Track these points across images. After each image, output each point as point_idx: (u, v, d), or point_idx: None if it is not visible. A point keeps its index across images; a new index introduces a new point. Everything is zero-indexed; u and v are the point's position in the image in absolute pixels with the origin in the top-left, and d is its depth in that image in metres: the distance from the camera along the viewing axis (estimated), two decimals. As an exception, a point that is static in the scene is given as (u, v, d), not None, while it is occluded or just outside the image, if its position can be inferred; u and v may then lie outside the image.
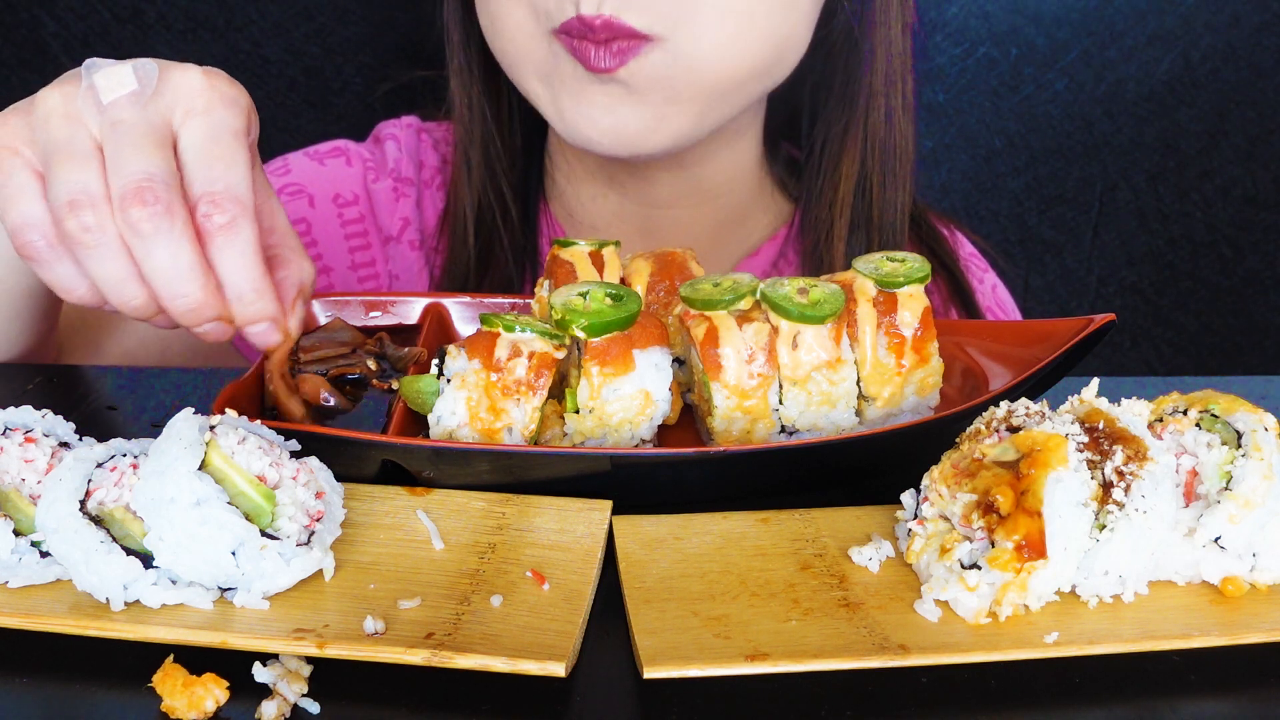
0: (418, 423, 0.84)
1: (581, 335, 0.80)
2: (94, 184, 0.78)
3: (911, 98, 1.28)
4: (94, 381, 1.01)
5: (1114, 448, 0.69)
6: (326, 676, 0.63)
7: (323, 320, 0.98)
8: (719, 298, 0.83)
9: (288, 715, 0.61)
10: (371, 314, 1.00)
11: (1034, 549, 0.66)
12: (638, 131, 1.13)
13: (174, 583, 0.66)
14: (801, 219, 1.32)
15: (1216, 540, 0.70)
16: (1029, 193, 1.70)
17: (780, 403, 0.84)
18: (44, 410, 0.75)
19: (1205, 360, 1.76)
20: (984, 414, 0.74)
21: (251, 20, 1.57)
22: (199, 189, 0.79)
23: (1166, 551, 0.70)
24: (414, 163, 1.37)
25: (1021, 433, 0.70)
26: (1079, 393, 0.74)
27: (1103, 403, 0.72)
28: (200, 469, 0.66)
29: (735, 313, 0.83)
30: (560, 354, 0.80)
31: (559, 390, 0.83)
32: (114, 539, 0.66)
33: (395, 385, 0.89)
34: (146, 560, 0.66)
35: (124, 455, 0.71)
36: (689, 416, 0.90)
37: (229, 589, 0.66)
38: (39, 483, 0.71)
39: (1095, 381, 0.75)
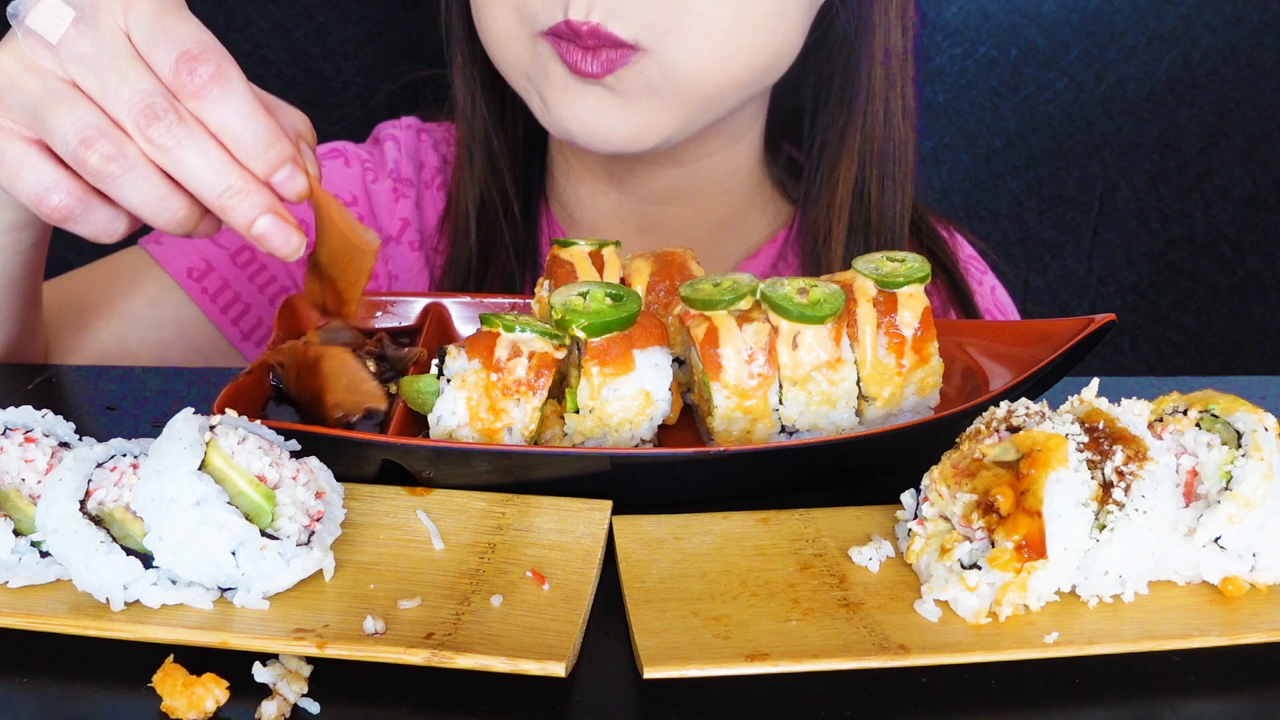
0: (418, 423, 0.84)
1: (581, 335, 0.80)
2: (94, 117, 0.78)
3: (912, 102, 1.28)
4: (94, 381, 1.01)
5: (1114, 448, 0.69)
6: (326, 676, 0.63)
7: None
8: (719, 298, 0.83)
9: (288, 715, 0.61)
10: (372, 314, 1.00)
11: (1034, 549, 0.66)
12: (624, 133, 1.13)
13: (174, 583, 0.66)
14: (801, 221, 1.32)
15: (1216, 540, 0.70)
16: (1029, 193, 1.70)
17: (780, 403, 0.84)
18: (44, 410, 0.75)
19: (1205, 360, 1.76)
20: (984, 414, 0.74)
21: (251, 20, 1.57)
22: (172, 53, 0.78)
23: (1166, 551, 0.70)
24: (414, 163, 1.37)
25: (1021, 433, 0.70)
26: (1079, 393, 0.74)
27: (1103, 403, 0.72)
28: (200, 469, 0.66)
29: (735, 313, 0.83)
30: (560, 354, 0.80)
31: (559, 390, 0.83)
32: (114, 539, 0.66)
33: (393, 389, 0.89)
34: (146, 560, 0.66)
35: (124, 455, 0.71)
36: (689, 416, 0.90)
37: (229, 589, 0.66)
38: (39, 483, 0.71)
39: (1095, 381, 0.75)
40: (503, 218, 1.30)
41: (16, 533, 0.68)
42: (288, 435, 0.74)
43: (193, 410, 0.69)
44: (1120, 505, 0.68)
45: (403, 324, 1.00)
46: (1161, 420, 0.74)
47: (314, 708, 0.61)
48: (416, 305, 1.01)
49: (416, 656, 0.62)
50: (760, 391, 0.82)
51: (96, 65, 0.78)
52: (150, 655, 0.63)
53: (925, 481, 0.73)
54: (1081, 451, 0.69)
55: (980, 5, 1.62)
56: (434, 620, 0.65)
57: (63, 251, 1.27)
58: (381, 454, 0.78)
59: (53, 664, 0.64)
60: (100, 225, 0.82)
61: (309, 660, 0.63)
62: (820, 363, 0.83)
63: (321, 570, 0.68)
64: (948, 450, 0.74)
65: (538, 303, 0.94)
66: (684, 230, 1.32)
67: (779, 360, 0.83)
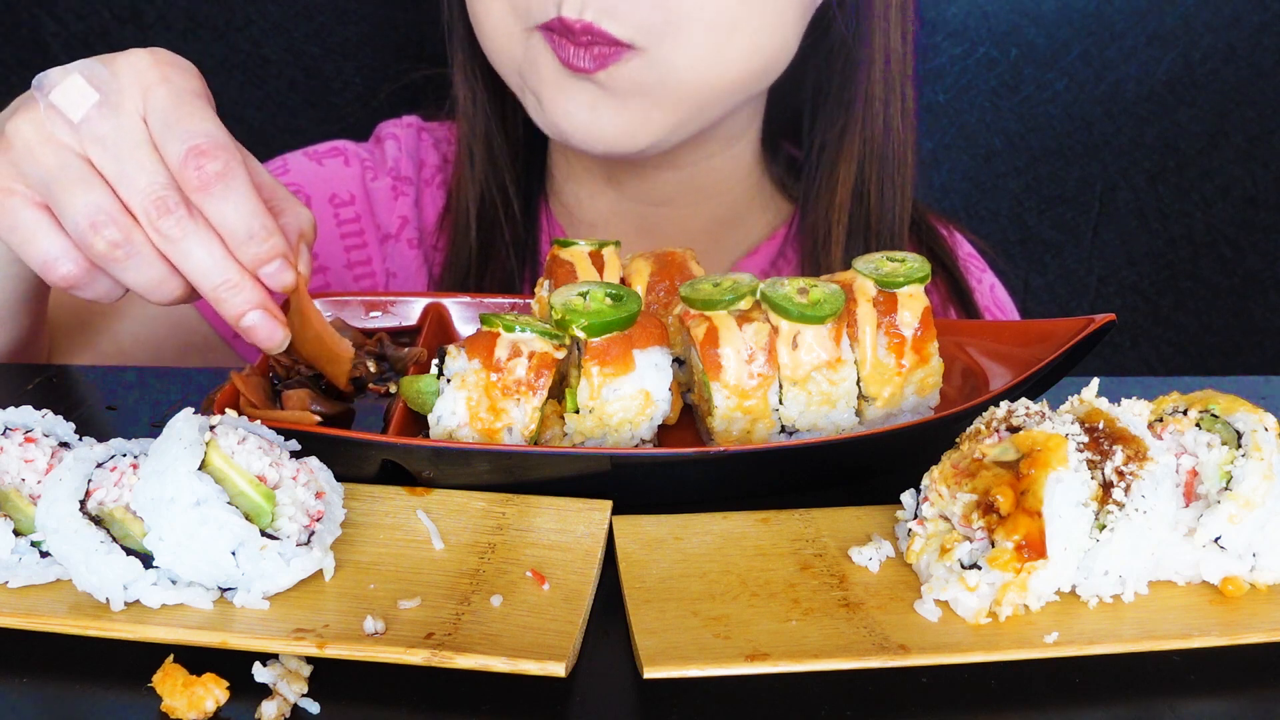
0: (418, 423, 0.84)
1: (581, 335, 0.80)
2: (105, 200, 0.81)
3: (912, 105, 1.28)
4: (94, 381, 1.01)
5: (1114, 448, 0.69)
6: (326, 676, 0.63)
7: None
8: (719, 298, 0.83)
9: (288, 715, 0.61)
10: (371, 314, 1.00)
11: (1034, 549, 0.66)
12: (616, 132, 1.13)
13: (174, 583, 0.66)
14: (800, 221, 1.32)
15: (1216, 540, 0.70)
16: (1029, 193, 1.70)
17: (780, 403, 0.84)
18: (44, 410, 0.75)
19: (1205, 360, 1.76)
20: (984, 414, 0.74)
21: (251, 20, 1.57)
22: (182, 145, 0.80)
23: (1166, 551, 0.70)
24: (414, 162, 1.37)
25: (1021, 433, 0.70)
26: (1079, 393, 0.74)
27: (1103, 403, 0.72)
28: (200, 469, 0.66)
29: (735, 313, 0.83)
30: (560, 354, 0.80)
31: (559, 390, 0.83)
32: (114, 539, 0.66)
33: (393, 388, 0.89)
34: (146, 560, 0.66)
35: (124, 455, 0.71)
36: (689, 416, 0.90)
37: (229, 589, 0.66)
38: (39, 483, 0.71)
39: (1095, 381, 0.75)
40: (503, 216, 1.30)
41: (16, 533, 0.68)
42: (288, 435, 0.74)
43: (193, 410, 0.69)
44: (1120, 505, 0.68)
45: (403, 324, 1.00)
46: (1161, 420, 0.74)
47: (314, 708, 0.61)
48: (416, 305, 1.01)
49: (416, 656, 0.62)
50: (760, 391, 0.82)
51: (116, 150, 0.81)
52: (150, 655, 0.63)
53: (925, 481, 0.73)
54: (1081, 451, 0.69)
55: (980, 5, 1.62)
56: (434, 620, 0.65)
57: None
58: (381, 454, 0.78)
59: (53, 664, 0.64)
60: (101, 292, 0.86)
61: (309, 660, 0.63)
62: (820, 363, 0.83)
63: (321, 570, 0.68)
64: (948, 450, 0.74)
65: (538, 303, 0.94)
66: (683, 229, 1.32)
67: (779, 360, 0.83)
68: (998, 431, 0.71)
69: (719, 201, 1.33)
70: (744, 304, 0.84)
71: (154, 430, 0.70)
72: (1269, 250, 1.72)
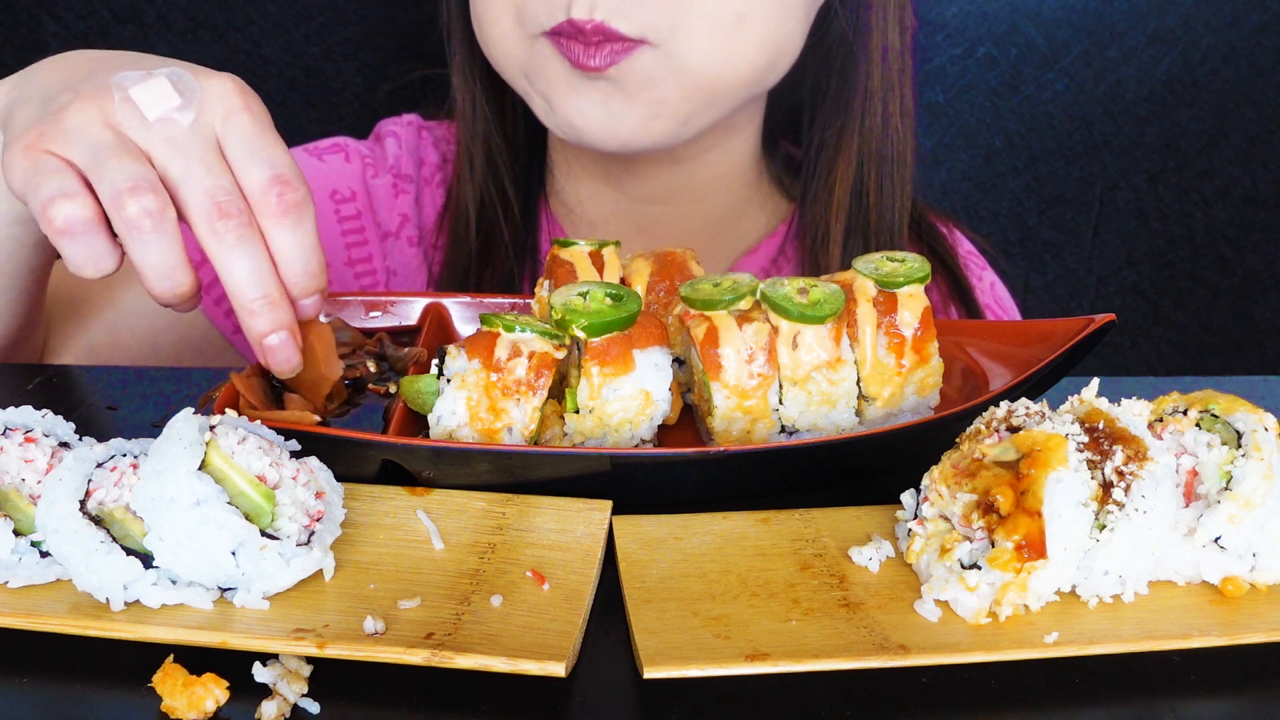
0: (418, 423, 0.84)
1: (581, 335, 0.80)
2: (151, 175, 0.79)
3: (910, 104, 1.28)
4: (94, 381, 1.01)
5: (1114, 448, 0.69)
6: (326, 676, 0.63)
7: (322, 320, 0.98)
8: (719, 298, 0.83)
9: (288, 715, 0.61)
10: (371, 314, 1.00)
11: (1034, 549, 0.66)
12: (630, 127, 1.13)
13: (174, 583, 0.66)
14: (799, 220, 1.32)
15: (1216, 540, 0.70)
16: (1029, 193, 1.70)
17: (780, 403, 0.84)
18: (44, 410, 0.75)
19: (1205, 360, 1.76)
20: (984, 414, 0.74)
21: (251, 20, 1.57)
22: (267, 171, 0.81)
23: (1166, 551, 0.70)
24: (414, 160, 1.37)
25: (1021, 433, 0.70)
26: (1079, 393, 0.74)
27: (1103, 403, 0.72)
28: (200, 469, 0.66)
29: (735, 313, 0.83)
30: (560, 354, 0.80)
31: (559, 390, 0.83)
32: (114, 539, 0.66)
33: (392, 389, 0.89)
34: (146, 560, 0.66)
35: (124, 455, 0.71)
36: (689, 416, 0.90)
37: (229, 589, 0.66)
38: (39, 483, 0.71)
39: (1095, 381, 0.75)
40: (502, 217, 1.30)
41: (16, 533, 0.68)
42: (288, 435, 0.74)
43: (193, 410, 0.69)
44: (1120, 505, 0.68)
45: (403, 324, 1.00)
46: (1161, 420, 0.74)
47: (314, 708, 0.61)
48: (416, 305, 1.01)
49: (416, 656, 0.62)
50: (760, 391, 0.82)
51: (185, 151, 0.80)
52: (150, 655, 0.63)
53: (925, 481, 0.73)
54: (1081, 451, 0.69)
55: (980, 5, 1.62)
56: (434, 620, 0.65)
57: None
58: (381, 454, 0.78)
59: (53, 664, 0.64)
60: (91, 253, 0.81)
61: (309, 660, 0.63)
62: (820, 363, 0.83)
63: (321, 570, 0.68)
64: (948, 450, 0.74)
65: (538, 303, 0.94)
66: (683, 228, 1.32)
67: (779, 360, 0.83)
68: (998, 431, 0.71)
69: (719, 200, 1.33)
70: (744, 304, 0.84)
71: (154, 430, 0.70)
72: (1269, 250, 1.72)
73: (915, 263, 0.87)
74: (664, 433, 0.87)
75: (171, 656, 0.62)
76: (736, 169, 1.33)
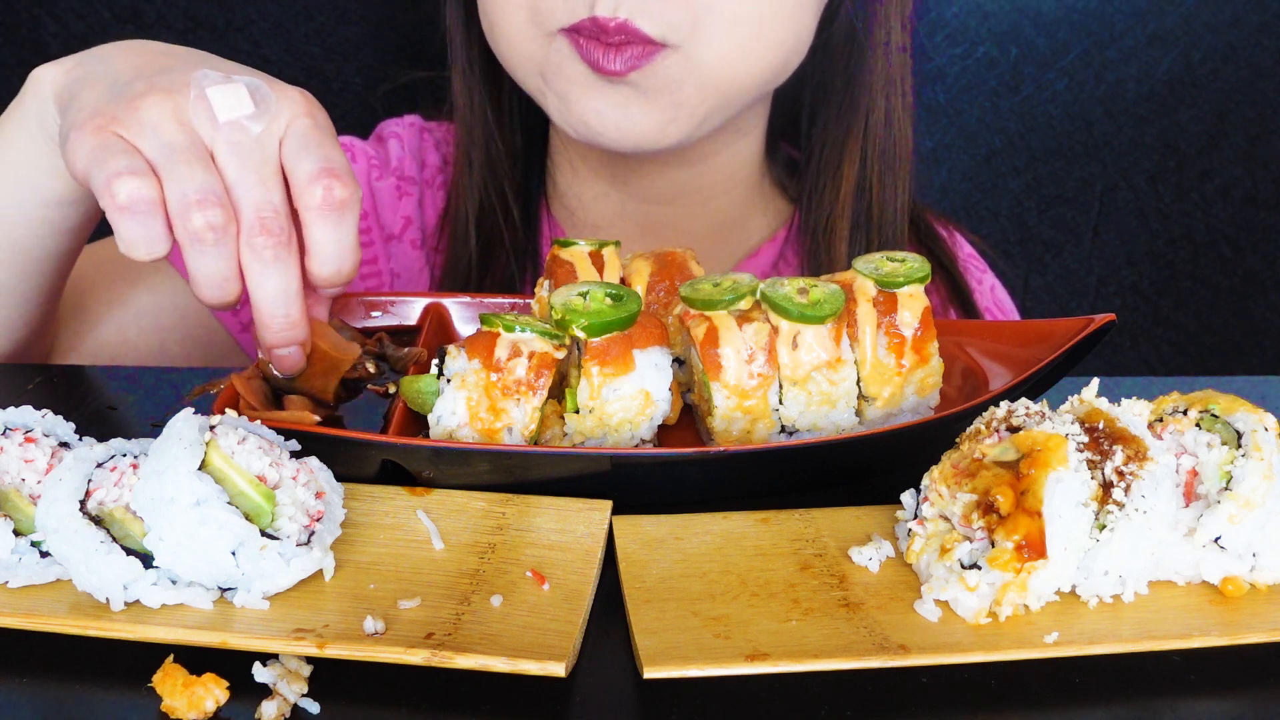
0: (418, 423, 0.84)
1: (581, 335, 0.80)
2: (219, 187, 0.81)
3: (911, 98, 1.28)
4: (94, 381, 1.01)
5: (1114, 448, 0.69)
6: (326, 676, 0.63)
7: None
8: (719, 298, 0.83)
9: (288, 715, 0.61)
10: (372, 314, 1.00)
11: (1034, 549, 0.66)
12: (646, 129, 1.13)
13: (174, 583, 0.66)
14: (801, 220, 1.32)
15: (1216, 540, 0.70)
16: (1029, 193, 1.70)
17: (780, 403, 0.84)
18: (44, 410, 0.75)
19: (1205, 360, 1.76)
20: (984, 414, 0.74)
21: (251, 20, 1.57)
22: (317, 164, 0.82)
23: (1166, 551, 0.70)
24: (416, 161, 1.37)
25: (1021, 433, 0.70)
26: (1079, 393, 0.74)
27: (1103, 403, 0.72)
28: (200, 469, 0.66)
29: (735, 313, 0.83)
30: (560, 354, 0.80)
31: (559, 390, 0.83)
32: (114, 539, 0.66)
33: (392, 389, 0.89)
34: (146, 560, 0.66)
35: (124, 455, 0.71)
36: (689, 416, 0.90)
37: (229, 589, 0.66)
38: (39, 483, 0.71)
39: (1095, 381, 0.75)
40: (502, 222, 1.30)
41: (16, 533, 0.68)
42: (288, 435, 0.74)
43: (193, 410, 0.69)
44: (1120, 505, 0.68)
45: (403, 324, 1.00)
46: (1161, 420, 0.74)
47: (314, 708, 0.61)
48: (416, 305, 1.01)
49: (416, 656, 0.62)
50: (760, 391, 0.82)
51: (245, 159, 0.82)
52: (150, 655, 0.63)
53: (925, 481, 0.73)
54: (1081, 451, 0.69)
55: (980, 5, 1.62)
56: (434, 620, 0.65)
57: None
58: (381, 454, 0.78)
59: (53, 664, 0.64)
60: (147, 235, 0.81)
61: (309, 660, 0.63)
62: (820, 363, 0.83)
63: (321, 570, 0.68)
64: (948, 450, 0.74)
65: (538, 303, 0.94)
66: (685, 230, 1.32)
67: (779, 360, 0.83)
68: (998, 431, 0.71)
69: (722, 202, 1.33)
70: (744, 304, 0.84)
71: (154, 430, 0.70)
72: (1269, 250, 1.72)
73: (915, 263, 0.87)
74: (664, 433, 0.87)
75: (171, 656, 0.62)
76: (741, 170, 1.33)
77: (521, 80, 1.19)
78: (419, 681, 0.63)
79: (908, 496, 0.75)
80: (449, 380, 0.80)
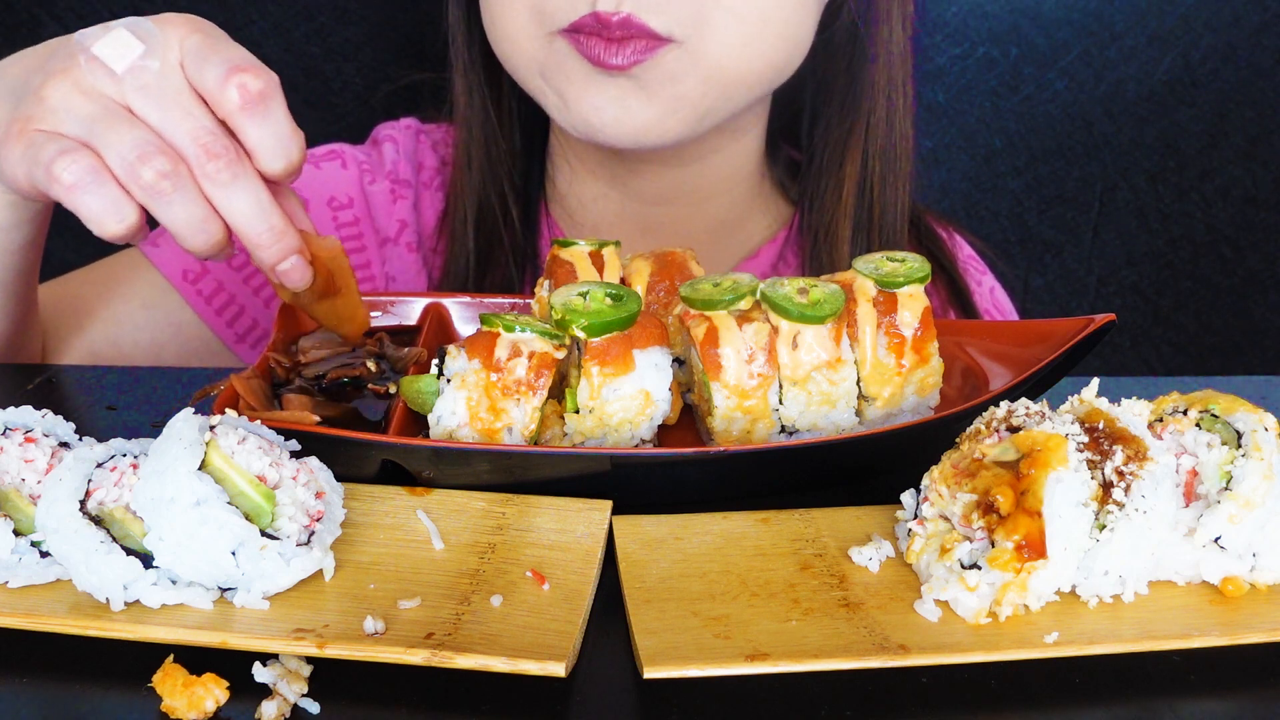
0: (418, 423, 0.84)
1: (581, 335, 0.80)
2: (151, 137, 0.80)
3: (911, 97, 1.28)
4: (94, 381, 1.01)
5: (1114, 448, 0.69)
6: (326, 676, 0.63)
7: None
8: (719, 298, 0.83)
9: (288, 715, 0.61)
10: (371, 314, 1.00)
11: (1034, 549, 0.66)
12: (646, 124, 1.13)
13: (174, 583, 0.66)
14: (802, 221, 1.32)
15: (1216, 540, 0.70)
16: (1029, 193, 1.70)
17: (780, 403, 0.84)
18: (44, 410, 0.75)
19: (1205, 360, 1.76)
20: (984, 414, 0.74)
21: (251, 20, 1.57)
22: (221, 67, 0.81)
23: (1166, 551, 0.70)
24: (412, 164, 1.37)
25: (1021, 433, 0.70)
26: (1079, 393, 0.74)
27: (1103, 403, 0.72)
28: (200, 469, 0.66)
29: (735, 313, 0.83)
30: (560, 354, 0.80)
31: (559, 390, 0.83)
32: (114, 539, 0.66)
33: (392, 389, 0.89)
34: (146, 560, 0.66)
35: (124, 455, 0.71)
36: (689, 416, 0.90)
37: (229, 589, 0.66)
38: (39, 483, 0.71)
39: (1095, 381, 0.75)
40: (501, 222, 1.30)
41: (16, 533, 0.68)
42: (288, 435, 0.74)
43: (193, 410, 0.69)
44: (1120, 505, 0.68)
45: (403, 324, 1.00)
46: (1161, 420, 0.74)
47: (314, 708, 0.61)
48: (416, 305, 1.01)
49: (416, 656, 0.62)
50: (760, 391, 0.82)
51: (160, 97, 0.81)
52: (150, 655, 0.63)
53: (925, 481, 0.73)
54: (1081, 451, 0.69)
55: (980, 5, 1.62)
56: (434, 620, 0.65)
57: (64, 253, 1.27)
58: (381, 454, 0.78)
59: (53, 664, 0.64)
60: (107, 204, 0.81)
61: (309, 660, 0.63)
62: (820, 363, 0.83)
63: (321, 570, 0.68)
64: (948, 450, 0.74)
65: (538, 303, 0.94)
66: (685, 231, 1.32)
67: (779, 360, 0.83)
68: (998, 431, 0.71)
69: (721, 202, 1.33)
70: (744, 304, 0.84)
71: (154, 430, 0.70)
72: (1269, 250, 1.72)
73: (915, 263, 0.87)
74: (664, 433, 0.87)
75: (171, 656, 0.62)
76: (741, 171, 1.33)
77: (522, 80, 1.19)
78: (419, 681, 0.63)
79: (908, 496, 0.75)
80: (449, 380, 0.80)
